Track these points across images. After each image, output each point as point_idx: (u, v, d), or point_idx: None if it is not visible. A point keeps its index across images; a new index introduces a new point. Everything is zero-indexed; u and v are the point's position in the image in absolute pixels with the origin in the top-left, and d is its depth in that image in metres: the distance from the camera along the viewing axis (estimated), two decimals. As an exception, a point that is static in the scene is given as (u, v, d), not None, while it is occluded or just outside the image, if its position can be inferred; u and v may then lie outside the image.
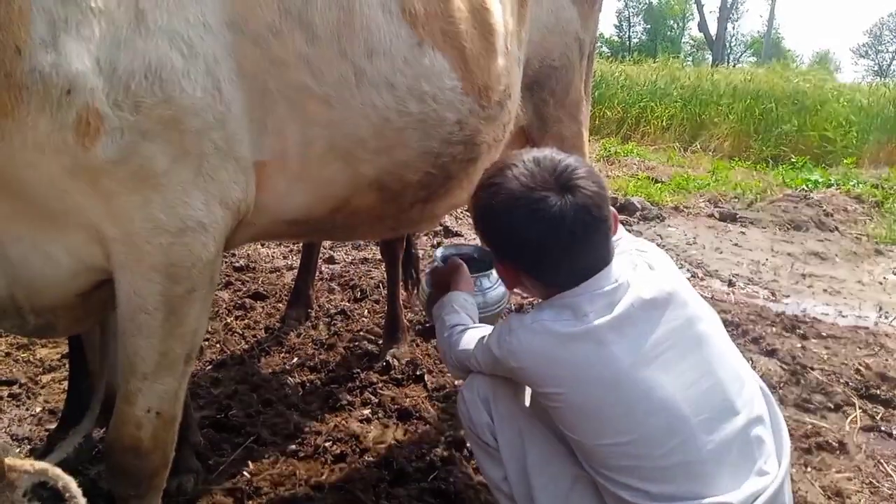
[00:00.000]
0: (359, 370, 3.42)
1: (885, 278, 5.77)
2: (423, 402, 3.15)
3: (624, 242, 1.87)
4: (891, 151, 12.84)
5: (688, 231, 6.91)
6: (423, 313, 3.82)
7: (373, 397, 3.17)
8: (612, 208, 1.72)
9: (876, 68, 59.77)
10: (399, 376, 3.38)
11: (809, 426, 3.15)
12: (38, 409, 2.99)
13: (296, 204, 1.91)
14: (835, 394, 3.45)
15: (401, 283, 3.85)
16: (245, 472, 2.60)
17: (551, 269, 1.70)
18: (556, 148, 1.81)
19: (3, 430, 2.80)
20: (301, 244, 4.50)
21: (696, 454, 1.57)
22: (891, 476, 2.85)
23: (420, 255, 4.60)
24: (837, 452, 2.98)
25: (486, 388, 1.87)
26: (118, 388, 1.78)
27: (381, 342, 3.70)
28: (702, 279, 5.48)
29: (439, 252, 2.48)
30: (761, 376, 3.53)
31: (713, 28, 44.52)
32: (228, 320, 3.96)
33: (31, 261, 1.62)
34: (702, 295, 4.92)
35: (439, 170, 2.14)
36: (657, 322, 1.64)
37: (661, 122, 13.65)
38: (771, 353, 3.87)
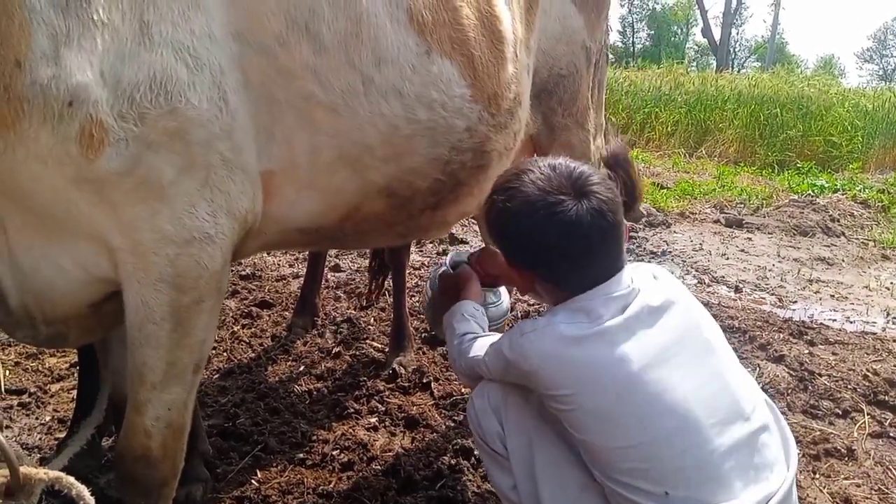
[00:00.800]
0: (365, 378, 3.43)
1: (892, 283, 5.76)
2: (430, 410, 3.15)
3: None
4: (896, 155, 12.86)
5: (694, 237, 6.90)
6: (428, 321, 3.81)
7: (380, 405, 3.17)
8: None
9: (880, 73, 59.82)
10: (406, 384, 3.38)
11: (818, 432, 3.13)
12: (47, 418, 3.00)
13: (305, 212, 1.92)
14: (843, 400, 3.44)
15: (406, 291, 3.86)
16: (253, 481, 2.60)
17: (566, 273, 1.71)
18: (566, 156, 1.83)
19: (14, 439, 2.80)
20: (307, 252, 4.52)
21: (709, 456, 1.57)
22: (900, 483, 2.83)
23: (424, 263, 4.60)
24: (846, 459, 2.97)
25: (497, 396, 1.87)
26: (127, 398, 1.79)
27: (387, 350, 3.70)
28: (708, 285, 5.47)
29: (448, 257, 2.49)
30: (769, 382, 3.54)
31: (717, 33, 44.48)
32: (235, 329, 3.96)
33: (42, 271, 1.63)
34: (708, 301, 4.90)
35: (448, 176, 2.14)
36: (667, 326, 1.67)
37: (666, 127, 13.65)
38: (778, 360, 3.85)
